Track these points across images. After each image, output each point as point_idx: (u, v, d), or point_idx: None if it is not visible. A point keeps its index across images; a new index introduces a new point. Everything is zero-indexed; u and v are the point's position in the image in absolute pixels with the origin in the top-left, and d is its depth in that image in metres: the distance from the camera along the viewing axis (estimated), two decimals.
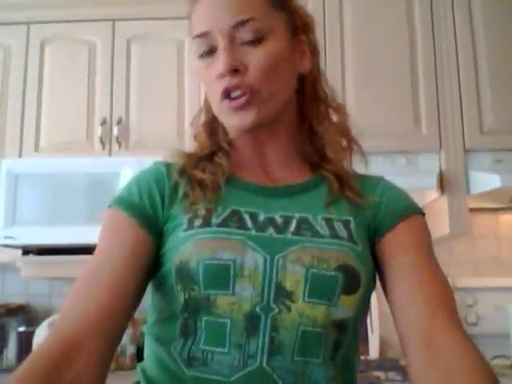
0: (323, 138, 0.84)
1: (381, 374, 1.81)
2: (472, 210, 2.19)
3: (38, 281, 2.51)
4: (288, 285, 0.69)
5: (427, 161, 2.14)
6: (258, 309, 0.69)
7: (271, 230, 0.74)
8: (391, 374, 1.81)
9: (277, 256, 0.71)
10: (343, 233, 0.75)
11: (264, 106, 0.76)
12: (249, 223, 0.74)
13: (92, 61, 2.38)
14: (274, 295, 0.69)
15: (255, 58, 0.75)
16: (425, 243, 0.78)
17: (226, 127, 0.84)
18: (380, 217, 0.80)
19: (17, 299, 2.47)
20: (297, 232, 0.74)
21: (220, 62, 0.75)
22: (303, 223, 0.75)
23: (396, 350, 2.23)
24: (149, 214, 0.76)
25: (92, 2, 2.42)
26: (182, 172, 0.81)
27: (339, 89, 2.19)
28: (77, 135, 2.32)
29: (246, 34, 0.76)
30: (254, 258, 0.70)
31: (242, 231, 0.73)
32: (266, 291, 0.69)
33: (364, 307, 0.77)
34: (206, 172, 0.80)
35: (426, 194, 2.20)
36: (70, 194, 2.18)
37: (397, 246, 0.77)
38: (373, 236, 0.80)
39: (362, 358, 2.08)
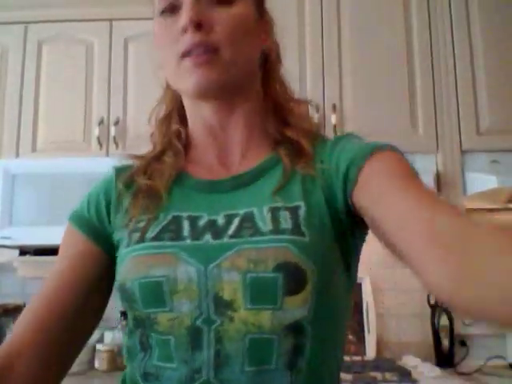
0: (287, 111, 0.81)
1: (377, 375, 1.81)
2: (468, 210, 2.19)
3: (35, 281, 2.50)
4: (226, 294, 0.65)
5: (424, 161, 2.14)
6: (199, 322, 0.65)
7: (208, 236, 0.69)
8: (388, 375, 1.81)
9: (211, 265, 0.66)
10: (287, 224, 0.68)
11: (226, 68, 0.71)
12: (185, 231, 0.70)
13: (89, 60, 2.38)
14: (214, 307, 0.65)
15: (222, 17, 0.71)
16: (404, 170, 0.66)
17: (183, 98, 0.80)
18: (337, 173, 0.71)
19: (14, 299, 2.47)
20: (235, 233, 0.68)
21: (183, 15, 0.69)
22: (246, 220, 0.69)
23: (393, 351, 2.23)
24: (95, 225, 0.78)
25: (89, 1, 2.42)
26: (129, 179, 0.80)
27: (337, 90, 2.20)
28: (74, 135, 2.32)
29: None
30: (186, 271, 0.66)
31: (175, 243, 0.69)
32: (204, 303, 0.66)
33: (325, 302, 0.67)
34: (153, 175, 0.78)
35: None
36: (66, 194, 2.17)
37: (372, 186, 0.65)
38: (340, 200, 0.70)
39: (359, 358, 2.09)
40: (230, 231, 0.69)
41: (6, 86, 2.38)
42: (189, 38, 0.69)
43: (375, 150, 0.69)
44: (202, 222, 0.71)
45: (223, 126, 0.78)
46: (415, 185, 0.62)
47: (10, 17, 2.42)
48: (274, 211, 0.70)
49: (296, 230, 0.67)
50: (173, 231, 0.70)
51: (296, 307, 0.65)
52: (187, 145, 0.82)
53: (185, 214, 0.73)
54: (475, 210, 2.35)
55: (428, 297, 2.27)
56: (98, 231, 0.77)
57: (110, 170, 0.84)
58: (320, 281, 0.66)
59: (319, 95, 2.18)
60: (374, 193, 0.65)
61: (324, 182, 0.72)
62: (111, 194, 0.80)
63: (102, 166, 2.15)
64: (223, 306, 0.65)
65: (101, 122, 2.29)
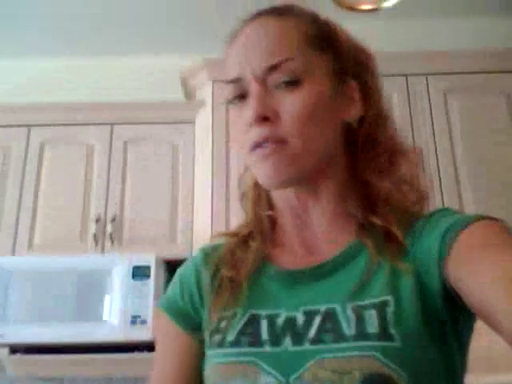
0: (378, 191, 0.71)
1: None
2: None
3: (25, 380, 2.44)
4: None
5: None
6: None
7: (287, 341, 0.64)
8: None
9: (292, 377, 0.61)
10: (373, 327, 0.61)
11: (297, 158, 0.67)
12: (264, 334, 0.66)
13: (89, 161, 2.48)
14: None
15: (290, 104, 0.66)
16: (501, 239, 0.60)
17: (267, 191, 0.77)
18: (429, 252, 0.64)
19: None
20: (317, 338, 0.63)
21: (250, 109, 0.67)
22: (328, 320, 0.64)
23: None
24: (191, 316, 0.75)
25: (91, 106, 2.56)
26: (215, 268, 0.76)
27: None
28: (71, 233, 2.37)
29: (280, 77, 0.67)
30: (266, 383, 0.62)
31: (254, 349, 0.65)
32: None
33: None
34: (237, 264, 0.74)
35: None
36: (60, 292, 2.18)
37: (464, 255, 0.60)
38: (435, 281, 0.63)
39: None
40: (311, 334, 0.63)
41: (6, 185, 2.45)
42: (256, 133, 0.67)
43: (474, 219, 0.63)
44: (280, 321, 0.67)
45: (306, 210, 0.73)
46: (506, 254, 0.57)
47: (13, 120, 2.55)
48: (359, 310, 0.63)
49: (383, 333, 0.61)
50: (251, 334, 0.67)
51: None
52: (272, 226, 0.78)
53: (263, 313, 0.69)
54: None
55: None
56: (193, 322, 0.75)
57: (199, 252, 0.81)
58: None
59: None
60: (464, 263, 0.59)
61: (415, 270, 0.65)
62: (202, 282, 0.76)
63: (96, 262, 2.23)
64: None
65: (98, 220, 2.35)
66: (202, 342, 0.73)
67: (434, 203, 2.23)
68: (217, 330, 0.70)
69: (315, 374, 0.60)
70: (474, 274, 0.57)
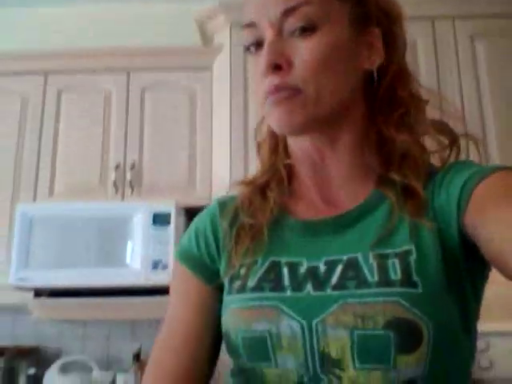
0: (396, 145, 0.70)
1: None
2: None
3: (49, 323, 2.52)
4: (333, 352, 0.61)
5: None
6: (305, 380, 0.63)
7: (309, 287, 0.65)
8: None
9: (314, 321, 0.62)
10: (396, 274, 0.62)
11: (310, 105, 0.65)
12: (286, 280, 0.67)
13: (107, 108, 2.46)
14: (320, 364, 0.62)
15: (303, 52, 0.65)
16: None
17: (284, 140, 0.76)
18: (448, 201, 0.65)
19: (27, 341, 2.48)
20: (339, 284, 0.64)
21: (263, 58, 0.65)
22: (350, 268, 0.64)
23: None
24: (207, 265, 0.75)
25: (108, 52, 2.52)
26: (233, 215, 0.76)
27: None
28: (91, 180, 2.38)
29: (295, 22, 0.65)
30: (289, 327, 0.63)
31: (276, 294, 0.66)
32: (310, 360, 0.62)
33: (444, 360, 0.62)
34: (256, 212, 0.74)
35: None
36: (82, 238, 2.21)
37: (484, 203, 0.60)
38: (453, 229, 0.64)
39: None
40: (333, 281, 0.64)
41: (25, 133, 2.46)
42: (269, 81, 0.65)
43: (492, 170, 0.63)
44: (302, 269, 0.67)
45: (324, 160, 0.72)
46: None
47: (30, 66, 2.52)
48: (382, 258, 0.64)
49: (407, 280, 0.61)
50: (273, 280, 0.67)
51: (410, 366, 0.60)
52: (290, 177, 0.77)
53: (283, 260, 0.69)
54: None
55: None
56: (210, 271, 0.75)
57: (214, 203, 0.81)
58: (437, 336, 0.60)
59: None
60: (483, 212, 0.60)
61: (436, 222, 0.65)
62: (218, 231, 0.76)
63: (116, 210, 2.25)
64: (330, 364, 0.61)
65: (117, 167, 2.36)
66: (218, 289, 0.73)
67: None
68: (237, 276, 0.70)
69: (338, 318, 0.61)
70: (494, 221, 0.58)
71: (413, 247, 0.64)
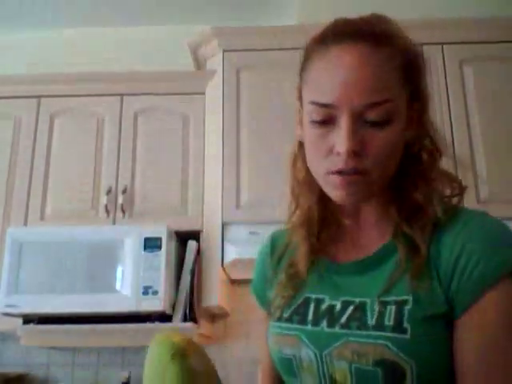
0: (410, 200, 0.78)
1: None
2: None
3: (38, 350, 2.49)
4: (338, 377, 0.74)
5: None
6: None
7: (324, 323, 0.77)
8: None
9: (324, 352, 0.75)
10: (390, 320, 0.70)
11: (371, 187, 0.75)
12: (310, 315, 0.80)
13: (100, 132, 2.47)
14: None
15: (377, 144, 0.71)
16: (497, 327, 0.69)
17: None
18: (454, 292, 0.71)
19: (15, 368, 2.44)
20: (346, 324, 0.74)
21: (341, 141, 0.70)
22: (358, 310, 0.74)
23: None
24: (268, 302, 0.91)
25: (101, 77, 2.54)
26: (282, 253, 0.91)
27: None
28: (82, 204, 2.37)
29: (374, 115, 0.70)
30: (307, 354, 0.77)
31: (300, 326, 0.79)
32: (323, 381, 0.76)
33: None
34: (297, 255, 0.87)
35: None
36: (72, 263, 2.19)
37: (466, 338, 0.70)
38: (450, 311, 0.71)
39: None
40: (342, 320, 0.76)
41: (17, 156, 2.46)
42: (342, 162, 0.72)
43: (498, 278, 0.69)
44: (324, 306, 0.80)
45: (359, 210, 0.83)
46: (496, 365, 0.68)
47: (23, 90, 2.53)
48: (383, 305, 0.73)
49: (398, 326, 0.70)
50: (300, 314, 0.81)
51: None
52: (327, 219, 0.87)
53: (313, 296, 0.82)
54: None
55: None
56: (268, 302, 0.92)
57: (268, 240, 0.98)
58: (420, 376, 0.69)
59: None
60: (466, 339, 0.69)
61: (442, 283, 0.71)
62: (267, 269, 0.94)
63: (107, 233, 2.23)
64: None
65: (109, 191, 2.35)
66: None
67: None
68: (278, 306, 0.85)
69: (340, 353, 0.73)
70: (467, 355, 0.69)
71: (410, 297, 0.71)
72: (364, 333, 0.72)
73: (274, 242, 0.95)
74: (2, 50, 2.95)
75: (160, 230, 2.19)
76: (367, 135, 0.71)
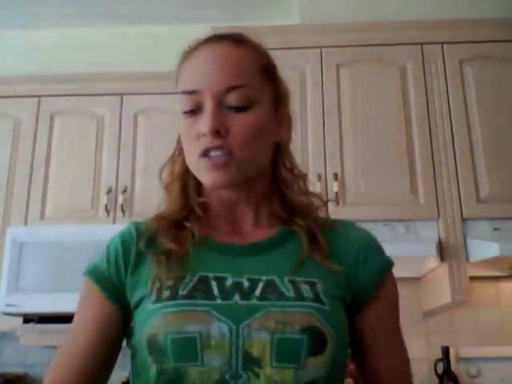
0: (292, 200, 0.87)
1: None
2: (472, 278, 2.20)
3: (37, 350, 2.48)
4: (255, 352, 0.71)
5: (425, 229, 2.17)
6: (227, 376, 0.71)
7: (237, 297, 0.75)
8: None
9: (242, 324, 0.72)
10: (308, 293, 0.76)
11: (240, 169, 0.79)
12: (215, 291, 0.76)
13: (100, 132, 2.47)
14: (242, 363, 0.71)
15: (238, 125, 0.78)
16: (395, 310, 0.87)
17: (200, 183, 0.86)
18: (359, 285, 0.83)
19: (15, 369, 2.44)
20: (262, 296, 0.75)
21: (205, 123, 0.77)
22: (269, 286, 0.77)
23: None
24: (115, 285, 0.82)
25: (101, 76, 2.54)
26: (152, 239, 0.84)
27: (338, 159, 2.26)
28: (82, 204, 2.38)
29: (234, 100, 0.78)
30: (219, 329, 0.72)
31: (207, 301, 0.75)
32: (233, 359, 0.71)
33: (337, 363, 0.76)
34: (176, 238, 0.83)
35: (426, 262, 2.22)
36: (72, 262, 2.19)
37: (373, 319, 0.83)
38: (350, 302, 0.82)
39: None
40: (257, 293, 0.76)
41: (17, 155, 2.46)
42: (207, 141, 0.78)
43: (384, 273, 0.85)
44: (228, 283, 0.77)
45: (237, 205, 0.86)
46: (396, 335, 0.86)
47: (23, 90, 2.53)
48: (295, 282, 0.78)
49: (316, 298, 0.76)
50: (203, 291, 0.76)
51: (316, 367, 0.73)
52: (204, 213, 0.87)
53: (211, 275, 0.79)
54: (479, 278, 2.36)
55: (435, 366, 2.23)
56: (117, 291, 0.81)
57: (130, 226, 0.89)
58: (337, 345, 0.75)
59: (321, 165, 2.25)
60: (371, 326, 0.83)
61: (344, 276, 0.82)
62: (130, 251, 0.84)
63: (108, 233, 2.22)
64: (251, 362, 0.71)
65: (109, 191, 2.35)
66: (120, 309, 0.81)
67: (448, 173, 2.21)
68: (165, 288, 0.77)
69: (262, 323, 0.72)
70: (370, 343, 0.84)
71: (317, 280, 0.79)
72: (286, 303, 0.74)
73: (138, 228, 0.87)
74: (2, 49, 2.95)
75: None
76: (230, 118, 0.78)
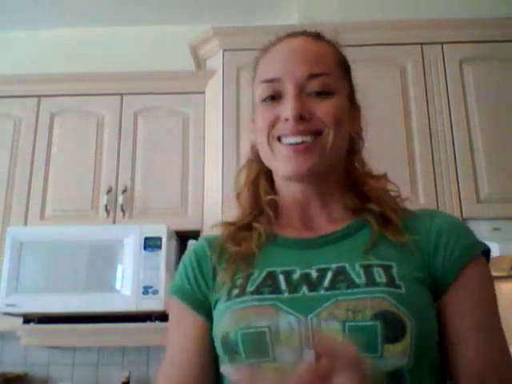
0: (370, 189, 0.85)
1: None
2: None
3: (37, 350, 2.48)
4: None
5: None
6: None
7: (304, 289, 0.73)
8: None
9: (310, 315, 0.70)
10: (381, 278, 0.72)
11: (322, 155, 0.78)
12: (282, 285, 0.75)
13: (100, 132, 2.47)
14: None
15: (322, 109, 0.78)
16: (486, 298, 0.79)
17: (274, 174, 0.86)
18: (439, 267, 0.76)
19: (15, 368, 2.44)
20: (331, 286, 0.73)
21: (288, 107, 0.77)
22: (339, 274, 0.74)
23: None
24: (199, 298, 0.82)
25: (101, 76, 2.54)
26: (222, 247, 0.85)
27: None
28: (82, 203, 2.37)
29: (316, 85, 0.79)
30: (288, 322, 0.70)
31: (274, 295, 0.73)
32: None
33: (424, 351, 0.70)
34: (244, 240, 0.83)
35: None
36: (72, 262, 2.19)
37: (460, 304, 0.75)
38: (433, 285, 0.75)
39: None
40: (325, 283, 0.73)
41: (17, 155, 2.46)
42: (291, 126, 0.77)
43: (474, 254, 0.78)
44: (295, 276, 0.76)
45: (309, 200, 0.85)
46: (489, 324, 0.76)
47: (23, 89, 2.53)
48: (367, 267, 0.74)
49: (391, 282, 0.72)
50: (270, 285, 0.75)
51: (396, 355, 0.67)
52: (275, 212, 0.87)
53: (278, 269, 0.77)
54: None
55: None
56: (201, 302, 0.82)
57: (200, 240, 0.91)
58: (419, 331, 0.69)
59: None
60: (458, 310, 0.75)
61: (424, 257, 0.77)
62: (205, 265, 0.85)
63: (108, 233, 2.24)
64: None
65: (109, 191, 2.35)
66: (209, 320, 0.80)
67: (448, 173, 2.21)
68: (234, 286, 0.78)
69: (331, 313, 0.69)
70: (457, 335, 0.74)
71: (394, 263, 0.74)
72: (356, 290, 0.71)
73: (209, 241, 0.88)
74: (2, 49, 2.95)
75: (160, 230, 2.19)
76: (313, 104, 0.79)
